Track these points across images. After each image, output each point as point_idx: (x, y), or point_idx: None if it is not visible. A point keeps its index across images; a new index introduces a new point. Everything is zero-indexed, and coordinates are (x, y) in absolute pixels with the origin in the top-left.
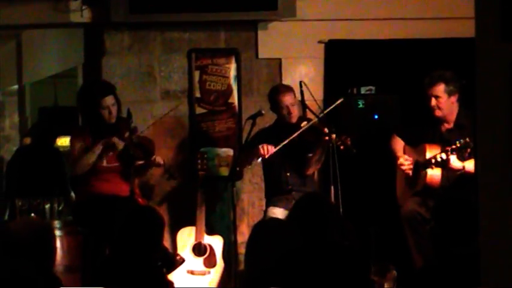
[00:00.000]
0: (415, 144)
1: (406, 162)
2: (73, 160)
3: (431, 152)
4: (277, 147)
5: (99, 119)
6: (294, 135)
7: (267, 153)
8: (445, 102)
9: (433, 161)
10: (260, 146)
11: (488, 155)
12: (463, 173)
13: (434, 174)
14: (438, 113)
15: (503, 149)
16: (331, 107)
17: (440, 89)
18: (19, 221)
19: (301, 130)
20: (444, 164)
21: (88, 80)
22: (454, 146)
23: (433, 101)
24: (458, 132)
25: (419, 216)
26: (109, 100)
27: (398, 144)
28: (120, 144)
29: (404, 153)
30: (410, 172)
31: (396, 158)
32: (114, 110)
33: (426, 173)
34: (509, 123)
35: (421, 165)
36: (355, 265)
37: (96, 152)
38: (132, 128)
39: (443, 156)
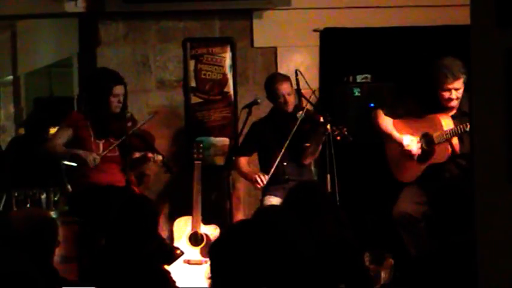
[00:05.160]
0: (419, 115)
1: (412, 142)
2: (49, 145)
3: (447, 124)
4: (270, 173)
5: (105, 107)
6: (286, 143)
7: (263, 183)
8: (462, 92)
9: (459, 130)
10: (254, 179)
11: (484, 141)
12: None
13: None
14: (455, 103)
15: (499, 135)
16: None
17: (461, 81)
18: (20, 212)
19: (292, 133)
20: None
21: (99, 67)
22: None
23: (454, 94)
24: (461, 119)
25: (410, 217)
26: (121, 89)
27: (386, 120)
28: (96, 160)
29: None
30: (419, 152)
31: (393, 138)
32: (122, 100)
33: (447, 145)
34: (505, 109)
35: (439, 137)
36: (347, 257)
37: (66, 155)
38: (128, 117)
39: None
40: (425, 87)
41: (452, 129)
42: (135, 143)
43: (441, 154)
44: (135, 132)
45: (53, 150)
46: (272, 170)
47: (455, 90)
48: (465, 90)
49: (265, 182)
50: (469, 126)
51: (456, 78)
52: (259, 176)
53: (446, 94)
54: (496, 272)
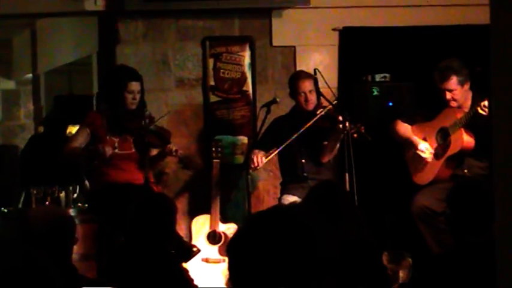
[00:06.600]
0: (433, 117)
1: (426, 150)
2: (67, 148)
3: (457, 114)
4: (268, 157)
5: (120, 103)
6: (296, 134)
7: (257, 165)
8: (459, 93)
9: (471, 113)
10: (254, 156)
11: (505, 142)
12: None
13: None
14: (454, 104)
15: None
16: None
17: (453, 82)
18: (38, 209)
19: (304, 128)
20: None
21: (117, 64)
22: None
23: (448, 95)
24: (476, 119)
25: (429, 211)
26: (136, 86)
27: (405, 126)
28: (109, 151)
29: (414, 134)
30: (431, 159)
31: (409, 142)
32: (137, 97)
33: (462, 133)
34: None
35: (452, 127)
36: (366, 257)
37: (80, 156)
38: (147, 115)
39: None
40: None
41: (463, 115)
42: (152, 140)
43: (455, 143)
44: (151, 130)
45: (69, 154)
46: (273, 155)
47: (449, 92)
48: (475, 90)
49: (260, 164)
50: (480, 107)
51: (444, 80)
52: (256, 156)
53: (443, 95)
54: None
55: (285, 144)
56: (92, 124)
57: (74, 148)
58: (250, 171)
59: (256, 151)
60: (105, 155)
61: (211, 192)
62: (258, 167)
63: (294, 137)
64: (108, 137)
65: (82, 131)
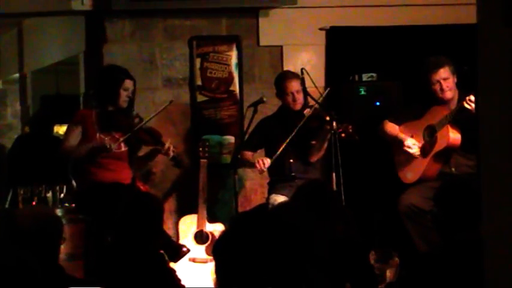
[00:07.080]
0: (420, 116)
1: (413, 146)
2: (65, 147)
3: (444, 111)
4: (273, 158)
5: (114, 100)
6: (291, 136)
7: (264, 166)
8: (452, 82)
9: (457, 108)
10: (256, 161)
11: (490, 139)
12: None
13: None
14: (449, 94)
15: (506, 135)
16: (321, 97)
17: (446, 70)
18: (25, 209)
19: (296, 129)
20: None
21: (110, 64)
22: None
23: (443, 84)
24: (462, 114)
25: (417, 209)
26: (130, 84)
27: (392, 126)
28: (113, 146)
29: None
30: (418, 153)
31: (397, 139)
32: (131, 96)
33: (448, 130)
34: (511, 108)
35: (439, 124)
36: (353, 256)
37: (82, 153)
38: (135, 115)
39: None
40: (423, 86)
41: (450, 112)
42: (145, 137)
43: (442, 140)
44: (143, 128)
45: (66, 154)
46: (275, 156)
47: (444, 81)
48: (461, 89)
49: (266, 166)
50: (465, 101)
51: (438, 68)
52: (261, 159)
53: (436, 87)
54: (504, 271)
55: (284, 145)
56: (83, 122)
57: (69, 147)
58: (259, 173)
59: (250, 153)
60: (111, 150)
61: (198, 191)
62: (265, 169)
63: (289, 138)
64: (98, 135)
65: (73, 130)
